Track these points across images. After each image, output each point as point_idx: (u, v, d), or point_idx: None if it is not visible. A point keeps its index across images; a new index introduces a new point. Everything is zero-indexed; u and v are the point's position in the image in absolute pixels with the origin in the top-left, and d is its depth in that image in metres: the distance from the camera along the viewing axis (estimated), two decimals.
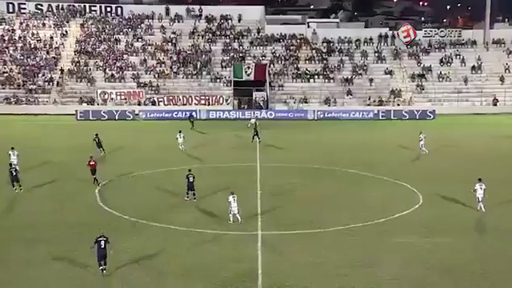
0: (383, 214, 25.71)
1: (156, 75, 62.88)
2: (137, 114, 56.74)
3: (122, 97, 59.92)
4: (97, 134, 38.15)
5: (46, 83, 61.04)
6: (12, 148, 32.98)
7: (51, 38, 66.37)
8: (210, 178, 31.45)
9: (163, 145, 41.69)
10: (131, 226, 24.46)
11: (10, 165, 30.23)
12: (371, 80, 63.83)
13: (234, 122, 54.29)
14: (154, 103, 59.56)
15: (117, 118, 56.18)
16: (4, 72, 61.51)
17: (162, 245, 22.28)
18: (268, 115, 57.93)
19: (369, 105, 60.31)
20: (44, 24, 68.11)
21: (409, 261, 20.77)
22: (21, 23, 67.65)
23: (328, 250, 21.90)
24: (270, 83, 62.16)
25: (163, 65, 64.41)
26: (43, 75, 61.78)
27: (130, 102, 59.60)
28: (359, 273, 19.82)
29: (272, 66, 64.75)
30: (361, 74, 64.70)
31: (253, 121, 46.11)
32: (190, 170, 28.06)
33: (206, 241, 22.82)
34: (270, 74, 62.95)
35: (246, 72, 61.58)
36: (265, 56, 66.34)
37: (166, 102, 59.67)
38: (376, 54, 67.33)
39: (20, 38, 65.88)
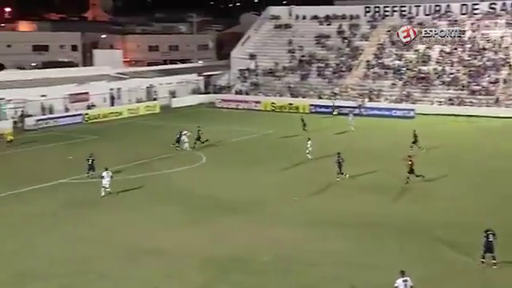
0: None
1: None
2: None
3: None
4: (415, 130, 39.88)
5: (491, 84, 60.49)
6: (308, 138, 37.95)
7: (501, 37, 65.30)
8: None
9: None
10: None
11: (338, 153, 32.68)
12: None
13: None
14: None
15: None
16: (451, 73, 63.59)
17: None
18: None
19: None
20: (496, 23, 67.49)
21: None
22: (472, 24, 68.68)
23: None
24: None
25: None
26: (488, 76, 61.43)
27: None
28: None
29: None
30: None
31: None
32: None
33: None
34: None
35: None
36: None
37: None
38: None
39: (469, 38, 66.97)
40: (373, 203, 29.03)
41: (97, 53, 79.35)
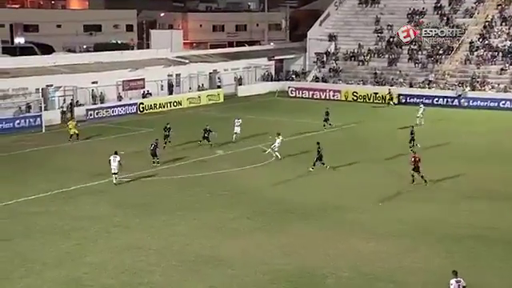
0: None
1: None
2: None
3: None
4: (412, 126, 40.60)
5: None
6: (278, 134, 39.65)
7: None
8: None
9: None
10: None
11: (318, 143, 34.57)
12: None
13: None
14: None
15: None
16: None
17: None
18: None
19: None
20: None
21: None
22: None
23: None
24: None
25: None
26: None
27: None
28: None
29: None
30: None
31: None
32: None
33: None
34: None
35: None
36: None
37: None
38: None
39: None
40: (467, 211, 28.58)
41: (154, 33, 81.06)
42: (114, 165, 32.44)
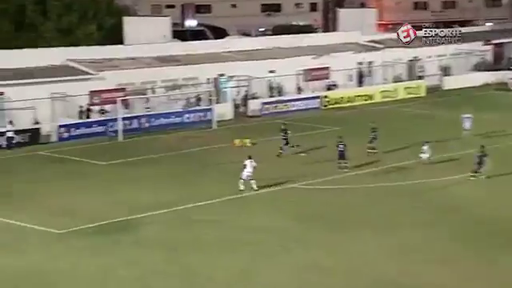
0: None
1: None
2: None
3: None
4: None
5: None
6: None
7: None
8: None
9: None
10: None
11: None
12: None
13: None
14: None
15: None
16: None
17: None
18: None
19: None
20: None
21: None
22: None
23: None
24: None
25: None
26: None
27: None
28: None
29: None
30: None
31: None
32: None
33: None
34: None
35: None
36: None
37: None
38: None
39: None
40: None
41: (342, 13, 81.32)
42: (249, 170, 33.40)
